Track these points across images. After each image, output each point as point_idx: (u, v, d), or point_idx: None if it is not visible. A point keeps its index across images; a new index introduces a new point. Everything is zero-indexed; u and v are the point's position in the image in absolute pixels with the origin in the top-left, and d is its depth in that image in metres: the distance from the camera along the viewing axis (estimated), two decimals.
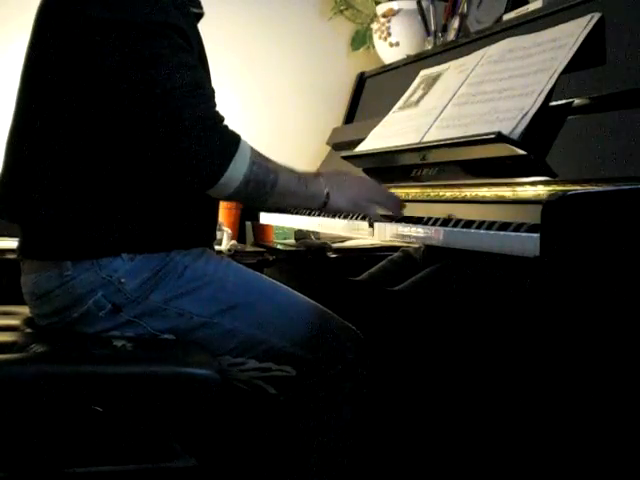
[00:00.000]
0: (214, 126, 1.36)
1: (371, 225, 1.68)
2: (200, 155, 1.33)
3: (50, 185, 1.40)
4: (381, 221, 1.64)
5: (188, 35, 1.39)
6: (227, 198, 1.44)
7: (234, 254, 2.16)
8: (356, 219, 1.79)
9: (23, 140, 1.45)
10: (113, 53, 1.33)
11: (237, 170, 1.36)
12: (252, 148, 1.41)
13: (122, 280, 1.40)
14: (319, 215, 2.02)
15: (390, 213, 1.62)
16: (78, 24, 1.34)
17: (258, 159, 1.41)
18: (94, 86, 1.36)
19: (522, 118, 1.45)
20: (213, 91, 1.42)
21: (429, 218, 1.54)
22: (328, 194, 1.50)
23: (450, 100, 1.75)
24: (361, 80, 2.62)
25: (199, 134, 1.32)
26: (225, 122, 1.39)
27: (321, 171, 1.81)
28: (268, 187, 1.41)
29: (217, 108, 1.39)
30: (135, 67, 1.33)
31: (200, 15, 1.54)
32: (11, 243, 1.88)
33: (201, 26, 1.54)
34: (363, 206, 1.58)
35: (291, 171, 1.47)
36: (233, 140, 1.38)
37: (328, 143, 2.55)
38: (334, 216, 1.94)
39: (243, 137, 1.41)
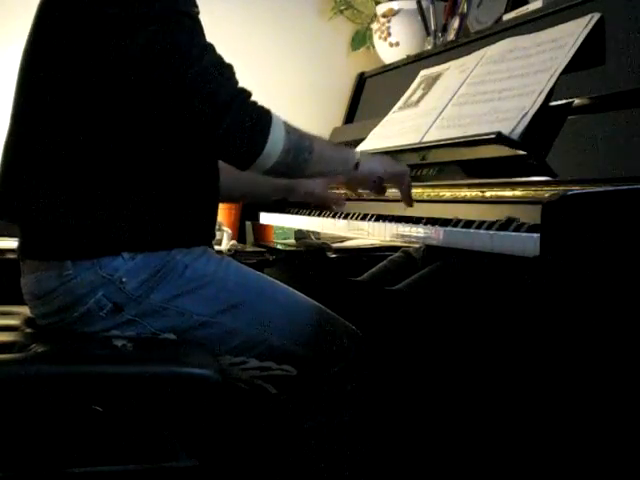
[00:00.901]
0: (247, 100, 1.39)
1: (402, 193, 1.65)
2: (241, 130, 1.36)
3: (49, 185, 1.40)
4: (407, 190, 1.63)
5: (199, 22, 1.41)
6: (270, 170, 1.43)
7: (234, 254, 2.16)
8: (356, 219, 1.79)
9: (22, 140, 1.44)
10: (135, 49, 1.33)
11: (276, 139, 1.39)
12: (282, 119, 1.43)
13: (123, 279, 1.40)
14: (319, 215, 2.02)
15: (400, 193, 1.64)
16: (90, 21, 1.35)
17: (290, 128, 1.44)
18: (110, 84, 1.36)
19: (522, 118, 1.46)
20: (232, 67, 1.44)
21: (429, 218, 1.54)
22: (358, 159, 1.54)
23: (450, 100, 1.75)
24: (361, 80, 2.62)
25: (237, 110, 1.35)
26: (252, 96, 1.41)
27: None
28: (306, 153, 1.44)
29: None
30: (161, 58, 1.33)
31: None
32: (11, 243, 1.88)
33: None
34: (393, 166, 1.61)
35: (321, 138, 1.52)
36: (266, 113, 1.40)
37: None
38: (334, 216, 1.94)
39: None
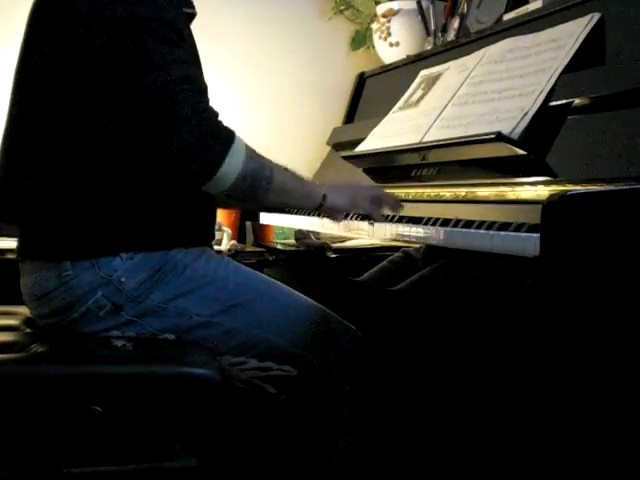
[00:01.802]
0: (208, 120, 1.35)
1: (371, 224, 1.68)
2: (195, 150, 1.33)
3: (48, 185, 1.40)
4: (382, 221, 1.64)
5: (179, 28, 1.39)
6: (226, 193, 1.41)
7: (234, 254, 2.16)
8: (356, 219, 1.79)
9: (19, 140, 1.44)
10: (103, 51, 1.33)
11: (233, 164, 1.36)
12: (246, 144, 1.41)
13: (122, 279, 1.40)
14: (319, 215, 2.02)
15: (389, 212, 1.62)
16: (67, 21, 1.35)
17: (253, 154, 1.41)
18: (87, 85, 1.36)
19: (522, 118, 1.46)
20: (206, 86, 1.42)
21: (429, 218, 1.54)
22: (325, 195, 1.51)
23: (450, 100, 1.75)
24: (361, 80, 2.62)
25: (193, 129, 1.32)
26: (219, 117, 1.39)
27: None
28: (265, 183, 1.41)
29: (211, 104, 1.39)
30: (126, 64, 1.32)
31: (192, 15, 1.53)
32: (11, 243, 1.88)
33: (201, 26, 1.53)
34: (362, 204, 1.58)
35: (286, 169, 1.47)
36: (228, 135, 1.37)
37: (328, 143, 2.55)
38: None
39: (243, 137, 1.41)
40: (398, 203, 1.62)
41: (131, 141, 1.38)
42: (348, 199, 1.55)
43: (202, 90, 1.39)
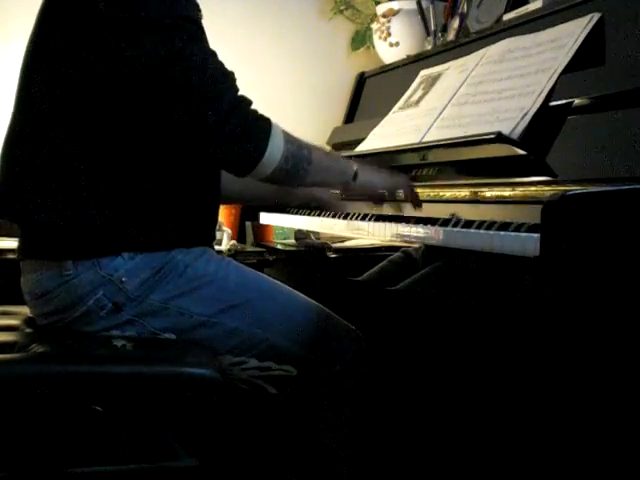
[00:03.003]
0: (248, 108, 1.40)
1: (407, 199, 1.68)
2: (242, 137, 1.37)
3: (50, 184, 1.39)
4: (419, 206, 1.66)
5: (200, 24, 1.42)
6: (268, 178, 1.44)
7: (234, 254, 2.16)
8: (356, 219, 1.79)
9: (22, 139, 1.44)
10: (138, 54, 1.33)
11: (276, 147, 1.40)
12: (282, 128, 1.44)
13: (123, 279, 1.40)
14: (319, 215, 2.02)
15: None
16: (93, 23, 1.35)
17: (290, 137, 1.45)
18: (112, 87, 1.36)
19: (522, 118, 1.46)
20: (234, 74, 1.44)
21: (429, 218, 1.54)
22: (356, 171, 1.55)
23: (450, 100, 1.75)
24: (361, 80, 2.62)
25: (239, 117, 1.36)
26: (253, 105, 1.42)
27: None
28: (305, 163, 1.45)
29: None
30: (164, 64, 1.33)
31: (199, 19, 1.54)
32: (11, 243, 1.88)
33: None
34: (401, 184, 1.64)
35: (320, 148, 1.53)
36: (266, 120, 1.41)
37: (328, 143, 2.55)
38: (334, 216, 1.94)
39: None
40: (417, 195, 1.66)
41: (155, 141, 1.40)
42: (379, 178, 1.61)
43: (234, 80, 1.43)
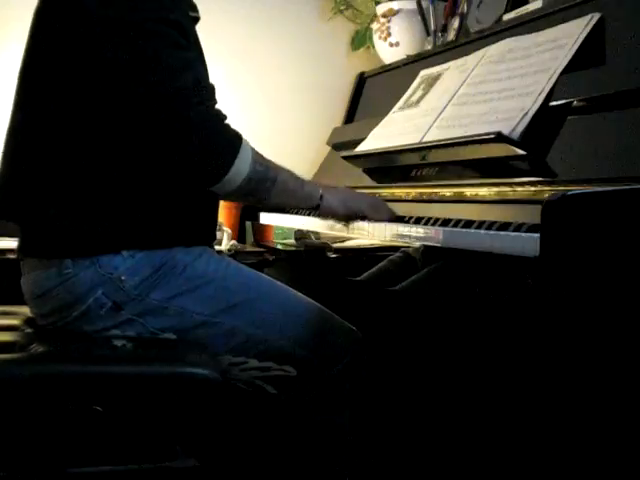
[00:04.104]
0: (218, 124, 1.40)
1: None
2: (206, 153, 1.37)
3: (49, 183, 1.40)
4: (378, 221, 1.64)
5: (187, 30, 1.41)
6: (230, 195, 1.46)
7: (234, 254, 2.16)
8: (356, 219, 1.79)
9: (21, 138, 1.45)
10: (115, 52, 1.34)
11: (241, 166, 1.40)
12: (252, 147, 1.44)
13: (122, 278, 1.40)
14: (319, 215, 2.02)
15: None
16: (79, 21, 1.35)
17: (258, 157, 1.45)
18: (96, 83, 1.36)
19: (522, 118, 1.46)
20: (213, 87, 1.45)
21: (429, 218, 1.54)
22: (322, 195, 1.56)
23: (450, 100, 1.75)
24: (361, 80, 2.62)
25: (205, 133, 1.36)
26: (227, 120, 1.42)
27: None
28: (269, 184, 1.46)
29: (217, 105, 1.42)
30: (138, 67, 1.34)
31: (196, 19, 1.54)
32: (11, 243, 1.88)
33: (201, 26, 1.54)
34: (357, 207, 1.63)
35: (288, 171, 1.52)
36: (236, 139, 1.41)
37: (328, 143, 2.55)
38: (334, 216, 1.94)
39: (244, 137, 1.43)
40: (393, 215, 1.65)
41: (139, 142, 1.39)
42: (342, 202, 1.61)
43: (211, 93, 1.43)
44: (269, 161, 1.48)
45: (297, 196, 1.54)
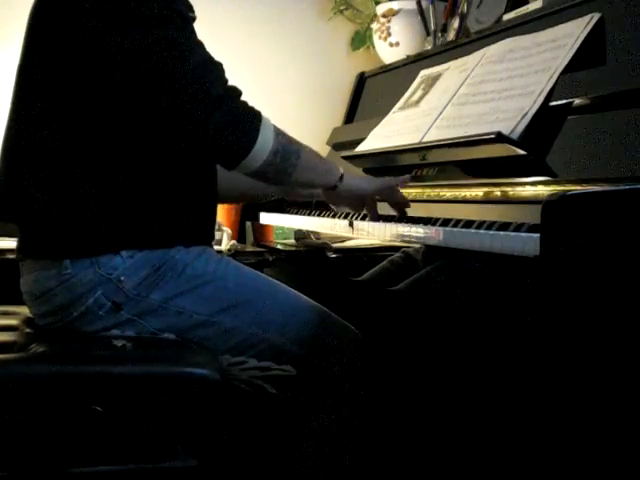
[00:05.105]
0: (238, 99, 1.39)
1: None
2: (232, 128, 1.35)
3: (48, 184, 1.40)
4: (402, 201, 1.65)
5: (187, 17, 1.41)
6: (257, 171, 1.42)
7: (234, 254, 2.16)
8: (356, 219, 1.79)
9: (21, 139, 1.44)
10: (129, 43, 1.33)
11: (266, 139, 1.39)
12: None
13: (122, 278, 1.40)
14: (319, 215, 2.02)
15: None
16: (85, 18, 1.35)
17: (280, 131, 1.44)
18: (99, 76, 1.36)
19: (522, 118, 1.46)
20: (223, 65, 1.44)
21: (429, 218, 1.54)
22: (342, 175, 1.55)
23: (450, 100, 1.75)
24: (361, 80, 2.62)
25: (228, 107, 1.35)
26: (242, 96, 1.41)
27: None
28: (294, 158, 1.44)
29: None
30: (155, 53, 1.33)
31: (193, 19, 1.54)
32: (11, 243, 1.88)
33: (201, 26, 1.53)
34: (373, 188, 1.61)
35: (307, 146, 1.50)
36: (256, 112, 1.40)
37: (328, 143, 2.55)
38: (334, 216, 1.94)
39: None
40: (406, 199, 1.64)
41: (147, 135, 1.39)
42: (360, 180, 1.60)
43: (223, 71, 1.42)
44: (290, 135, 1.46)
45: (319, 171, 1.52)
